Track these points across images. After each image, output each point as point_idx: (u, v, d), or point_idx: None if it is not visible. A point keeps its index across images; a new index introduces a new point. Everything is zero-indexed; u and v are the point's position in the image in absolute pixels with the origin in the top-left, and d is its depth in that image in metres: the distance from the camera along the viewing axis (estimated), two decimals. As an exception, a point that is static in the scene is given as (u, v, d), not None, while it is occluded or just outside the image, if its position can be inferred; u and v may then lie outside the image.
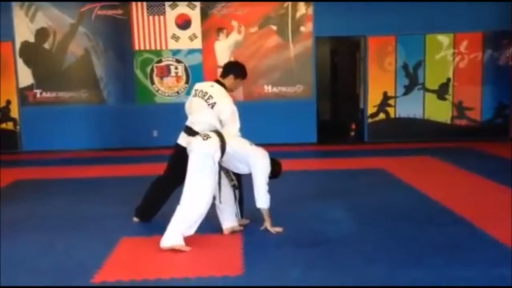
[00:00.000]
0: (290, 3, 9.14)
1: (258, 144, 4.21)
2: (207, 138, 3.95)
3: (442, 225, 4.40)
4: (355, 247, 3.93)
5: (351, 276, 3.39)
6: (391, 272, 3.42)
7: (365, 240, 4.10)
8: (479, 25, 9.12)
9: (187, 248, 3.87)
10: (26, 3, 9.07)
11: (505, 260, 3.56)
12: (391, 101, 9.40)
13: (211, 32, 9.14)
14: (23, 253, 3.98)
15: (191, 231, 3.93)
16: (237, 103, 4.35)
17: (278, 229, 4.22)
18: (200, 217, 3.91)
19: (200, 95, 4.32)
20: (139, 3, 9.08)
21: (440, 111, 9.40)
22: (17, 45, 9.19)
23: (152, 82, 9.31)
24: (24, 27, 9.15)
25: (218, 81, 4.42)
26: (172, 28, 9.17)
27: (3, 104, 9.31)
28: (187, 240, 3.93)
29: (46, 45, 9.22)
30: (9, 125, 9.37)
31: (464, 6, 9.00)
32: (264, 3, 9.12)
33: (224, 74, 4.44)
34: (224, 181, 4.14)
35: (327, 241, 4.06)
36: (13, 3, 9.04)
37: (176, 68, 9.25)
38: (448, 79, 9.34)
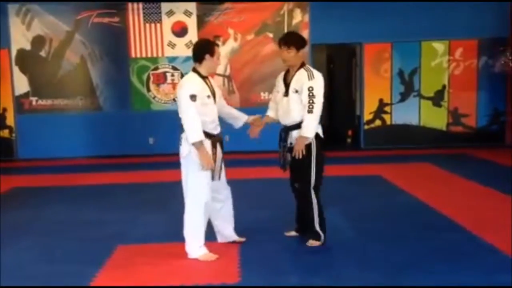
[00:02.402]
0: (286, 10, 9.18)
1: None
2: None
3: (439, 232, 4.40)
4: (353, 253, 3.93)
5: (350, 282, 3.38)
6: (389, 279, 3.41)
7: (363, 246, 4.09)
8: (474, 32, 9.17)
9: (213, 256, 3.85)
10: (23, 10, 9.07)
11: (502, 267, 3.56)
12: (387, 108, 9.42)
13: (207, 39, 9.14)
14: (19, 260, 3.96)
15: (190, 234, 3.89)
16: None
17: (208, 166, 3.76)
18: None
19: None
20: (135, 11, 9.10)
21: (435, 118, 9.43)
22: (13, 53, 9.17)
23: (149, 89, 9.31)
24: (20, 35, 9.14)
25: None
26: (169, 36, 9.18)
27: (-1, 111, 9.31)
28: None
29: (42, 53, 9.21)
30: (5, 133, 9.34)
31: (459, 13, 9.05)
32: (260, 10, 9.15)
33: None
34: (220, 195, 4.07)
35: (325, 247, 4.05)
36: (9, 11, 9.04)
37: (172, 75, 9.26)
38: (444, 86, 9.38)
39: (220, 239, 4.18)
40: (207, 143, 3.81)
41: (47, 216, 5.28)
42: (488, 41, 9.24)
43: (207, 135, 3.81)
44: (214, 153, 3.86)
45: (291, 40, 4.03)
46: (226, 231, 4.15)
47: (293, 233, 4.36)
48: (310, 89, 3.87)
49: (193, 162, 3.78)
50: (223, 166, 4.02)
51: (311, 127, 3.90)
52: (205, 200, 3.83)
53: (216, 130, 3.91)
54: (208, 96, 3.84)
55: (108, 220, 5.02)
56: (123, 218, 5.07)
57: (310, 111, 3.87)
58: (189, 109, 3.70)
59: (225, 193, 4.09)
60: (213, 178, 3.89)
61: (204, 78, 3.90)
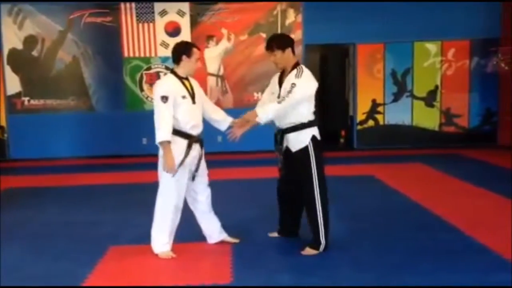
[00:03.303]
0: (279, 10, 9.19)
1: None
2: None
3: (432, 232, 4.41)
4: (347, 253, 3.93)
5: (344, 282, 3.38)
6: (382, 278, 3.42)
7: (356, 246, 4.10)
8: (466, 33, 9.22)
9: (170, 255, 3.88)
10: (15, 10, 9.01)
11: (495, 267, 3.58)
12: (380, 108, 9.45)
13: (200, 39, 9.13)
14: (12, 261, 3.93)
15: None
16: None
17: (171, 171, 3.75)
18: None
19: None
20: (128, 10, 9.08)
21: (428, 118, 9.47)
22: (5, 53, 9.11)
23: (142, 89, 9.28)
24: (12, 34, 9.08)
25: None
26: (162, 35, 9.16)
27: (-10, 111, 9.23)
28: (175, 248, 3.93)
29: (34, 53, 9.16)
30: (-3, 133, 9.30)
31: (452, 14, 9.10)
32: (253, 10, 9.15)
33: None
34: (201, 196, 4.06)
35: (318, 248, 4.05)
36: (1, 11, 8.98)
37: (165, 75, 9.21)
38: (436, 87, 9.42)
39: (209, 240, 4.18)
40: (183, 143, 3.81)
41: (39, 217, 5.25)
42: (480, 41, 9.29)
43: (183, 134, 3.80)
44: (196, 154, 3.87)
45: (272, 43, 3.95)
46: (212, 232, 4.15)
47: (275, 235, 4.35)
48: (292, 85, 3.76)
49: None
50: (203, 167, 4.00)
51: (267, 114, 3.77)
52: (175, 202, 3.85)
53: (194, 130, 3.87)
54: (183, 97, 3.81)
55: (100, 221, 4.99)
56: (115, 219, 5.05)
57: (279, 102, 3.78)
58: (160, 109, 3.73)
59: (206, 194, 4.07)
60: (192, 178, 3.92)
61: (181, 79, 3.88)
